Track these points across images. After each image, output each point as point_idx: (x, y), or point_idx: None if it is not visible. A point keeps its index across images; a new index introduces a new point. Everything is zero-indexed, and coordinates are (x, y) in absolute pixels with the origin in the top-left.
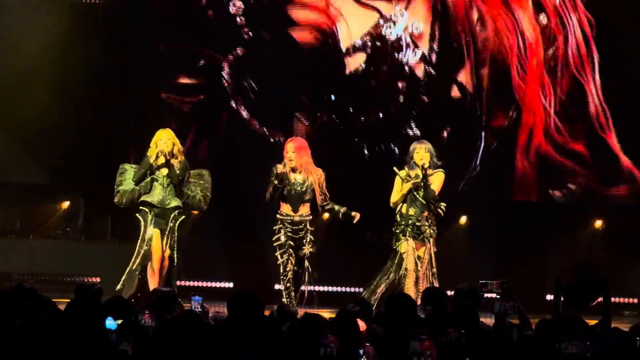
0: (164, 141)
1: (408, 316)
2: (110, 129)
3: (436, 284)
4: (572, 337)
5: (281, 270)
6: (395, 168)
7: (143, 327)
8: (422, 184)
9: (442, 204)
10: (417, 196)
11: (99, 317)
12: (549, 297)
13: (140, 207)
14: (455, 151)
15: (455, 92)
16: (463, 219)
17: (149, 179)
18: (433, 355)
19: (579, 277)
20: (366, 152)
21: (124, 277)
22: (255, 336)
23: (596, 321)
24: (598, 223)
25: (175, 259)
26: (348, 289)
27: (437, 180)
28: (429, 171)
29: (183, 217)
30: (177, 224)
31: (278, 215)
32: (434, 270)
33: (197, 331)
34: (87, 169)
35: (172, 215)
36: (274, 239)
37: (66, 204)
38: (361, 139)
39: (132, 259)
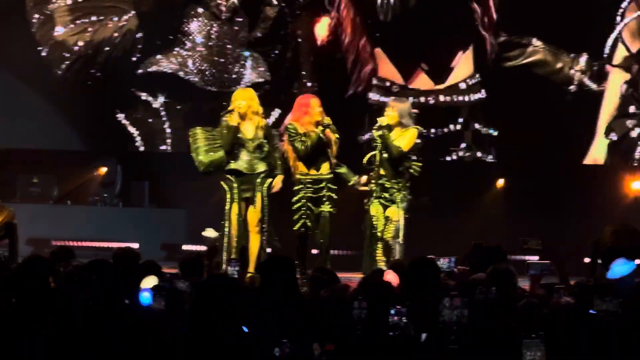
0: (239, 102)
1: (431, 281)
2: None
3: (398, 253)
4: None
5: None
6: (373, 129)
7: (177, 290)
8: (380, 146)
9: (415, 163)
10: (387, 157)
11: (135, 280)
12: (587, 260)
13: (227, 175)
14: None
15: None
16: (501, 182)
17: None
18: (462, 309)
19: (616, 241)
20: None
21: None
22: (288, 299)
23: None
24: (637, 186)
25: (267, 224)
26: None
27: (406, 137)
28: (400, 130)
29: (270, 179)
30: (264, 188)
31: (298, 176)
32: (399, 239)
33: (229, 294)
34: (124, 135)
35: (258, 180)
36: (293, 200)
37: (103, 170)
38: None
39: (225, 245)
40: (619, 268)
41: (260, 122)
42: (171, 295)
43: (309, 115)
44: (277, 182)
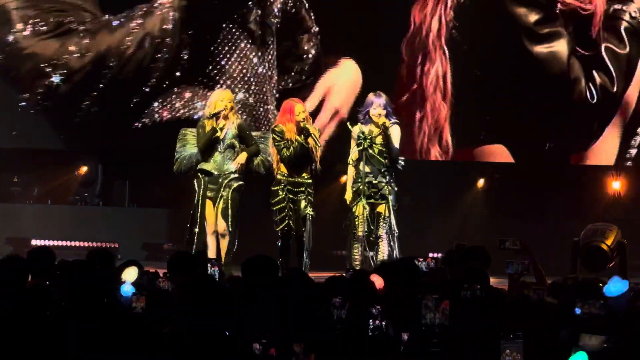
0: (225, 102)
1: (412, 280)
2: (130, 93)
3: (396, 244)
4: (587, 298)
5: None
6: (348, 123)
7: (159, 290)
8: (376, 141)
9: (401, 158)
10: (373, 153)
11: (112, 279)
12: (567, 259)
13: (198, 174)
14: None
15: None
16: (481, 182)
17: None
18: (446, 312)
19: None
20: None
21: None
22: (270, 298)
23: None
24: (616, 185)
25: (230, 228)
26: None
27: (395, 135)
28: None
29: (240, 182)
30: (231, 190)
31: (278, 176)
32: (395, 229)
33: (212, 294)
34: (106, 134)
35: (225, 182)
36: (273, 200)
37: (84, 170)
38: None
39: (195, 244)
40: (615, 287)
41: (235, 123)
42: (152, 295)
43: (291, 122)
44: (241, 159)
